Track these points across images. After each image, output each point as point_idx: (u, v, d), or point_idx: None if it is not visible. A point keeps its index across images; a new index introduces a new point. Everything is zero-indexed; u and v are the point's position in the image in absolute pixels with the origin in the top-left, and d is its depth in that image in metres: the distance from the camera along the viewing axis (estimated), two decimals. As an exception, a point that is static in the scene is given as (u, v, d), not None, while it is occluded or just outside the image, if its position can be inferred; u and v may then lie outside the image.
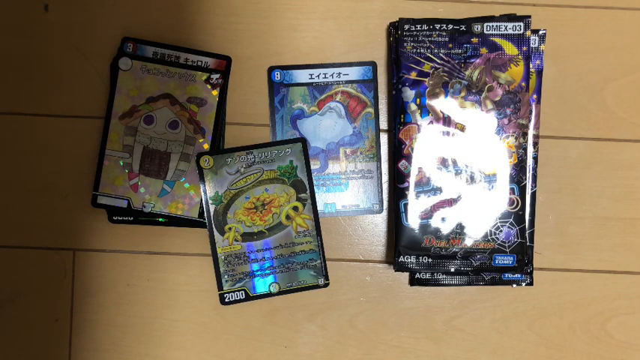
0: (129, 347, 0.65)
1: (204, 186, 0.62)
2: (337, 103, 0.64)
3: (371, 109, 0.64)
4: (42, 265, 0.65)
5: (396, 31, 0.63)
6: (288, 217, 0.62)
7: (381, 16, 0.65)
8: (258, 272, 0.62)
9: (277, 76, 0.64)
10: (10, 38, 0.65)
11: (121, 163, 0.63)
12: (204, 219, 0.63)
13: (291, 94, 0.64)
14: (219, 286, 0.62)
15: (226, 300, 0.63)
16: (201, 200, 0.63)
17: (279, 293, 0.62)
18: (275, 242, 0.62)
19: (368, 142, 0.64)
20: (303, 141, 0.62)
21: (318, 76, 0.64)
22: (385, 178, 0.65)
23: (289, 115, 0.64)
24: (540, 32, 0.63)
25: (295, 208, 0.62)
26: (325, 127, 0.64)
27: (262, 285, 0.62)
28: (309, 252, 0.62)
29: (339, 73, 0.64)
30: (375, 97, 0.65)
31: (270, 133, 0.64)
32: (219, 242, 0.62)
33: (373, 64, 0.65)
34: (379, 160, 0.64)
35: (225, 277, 0.62)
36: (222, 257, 0.62)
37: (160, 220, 0.64)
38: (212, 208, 0.62)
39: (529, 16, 0.62)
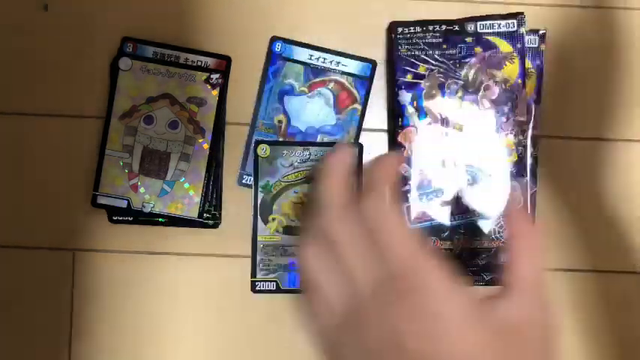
0: (129, 347, 0.65)
1: (258, 173, 0.62)
2: (328, 90, 0.64)
3: (358, 106, 0.64)
4: (42, 265, 0.65)
5: (391, 34, 0.63)
6: None
7: (381, 17, 0.65)
8: (293, 267, 0.63)
9: (278, 47, 0.64)
10: (10, 38, 0.65)
11: (121, 163, 0.63)
12: (204, 219, 0.63)
13: (287, 69, 0.64)
14: (253, 274, 0.62)
15: (257, 288, 0.63)
16: (201, 200, 0.63)
17: None
18: None
19: (348, 137, 0.64)
20: (360, 146, 0.62)
21: (318, 58, 0.64)
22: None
23: (278, 88, 0.64)
24: (540, 32, 0.63)
25: None
26: (310, 109, 0.64)
27: (294, 280, 0.63)
28: None
29: (339, 62, 0.64)
30: (367, 96, 0.64)
31: (255, 102, 0.64)
32: (260, 230, 0.63)
33: (373, 62, 0.64)
34: None
35: (260, 265, 0.62)
36: (261, 246, 0.63)
37: (160, 220, 0.64)
38: (260, 197, 0.63)
39: (522, 13, 0.62)
